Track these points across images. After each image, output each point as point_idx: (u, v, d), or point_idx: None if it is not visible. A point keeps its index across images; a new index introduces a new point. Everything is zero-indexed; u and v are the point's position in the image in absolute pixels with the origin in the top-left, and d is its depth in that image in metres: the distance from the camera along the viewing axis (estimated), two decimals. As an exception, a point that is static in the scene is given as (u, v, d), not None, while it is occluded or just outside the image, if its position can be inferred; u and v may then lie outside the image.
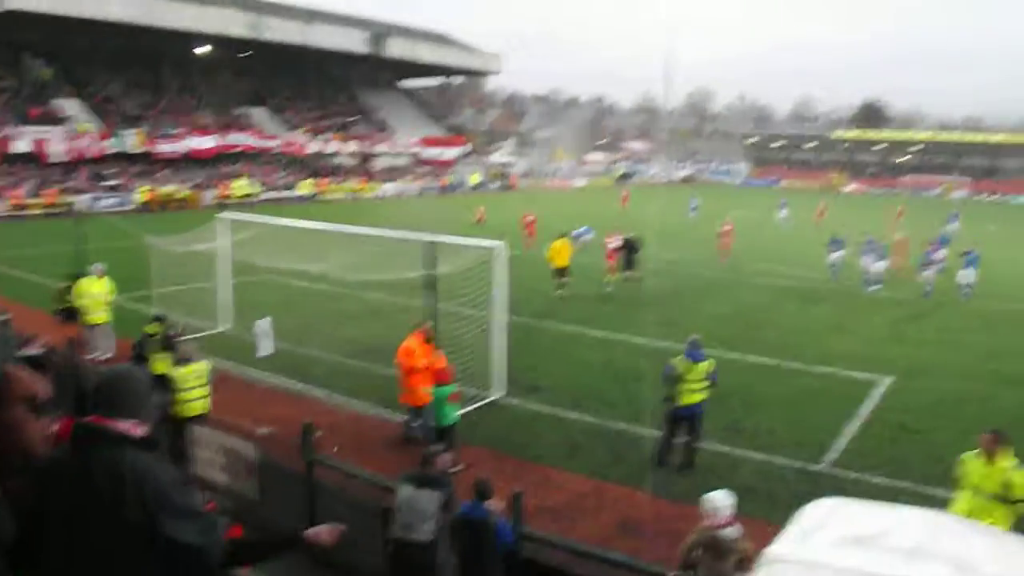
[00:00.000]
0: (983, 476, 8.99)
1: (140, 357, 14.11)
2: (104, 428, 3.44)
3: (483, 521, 7.84)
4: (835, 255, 32.29)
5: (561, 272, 26.89)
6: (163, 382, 14.24)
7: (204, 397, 12.67)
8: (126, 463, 3.35)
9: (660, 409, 13.28)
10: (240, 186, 62.65)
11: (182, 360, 12.71)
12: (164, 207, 56.45)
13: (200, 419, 12.14)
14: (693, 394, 12.89)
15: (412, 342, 13.59)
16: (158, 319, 14.99)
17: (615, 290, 28.09)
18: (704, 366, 12.98)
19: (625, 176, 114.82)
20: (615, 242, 29.55)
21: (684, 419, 12.99)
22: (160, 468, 3.48)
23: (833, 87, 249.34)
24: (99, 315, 18.54)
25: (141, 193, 58.04)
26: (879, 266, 30.34)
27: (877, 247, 30.73)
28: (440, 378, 12.88)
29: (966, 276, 29.22)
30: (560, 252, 27.26)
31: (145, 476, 3.36)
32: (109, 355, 17.97)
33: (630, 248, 29.62)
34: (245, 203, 59.30)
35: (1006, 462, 8.93)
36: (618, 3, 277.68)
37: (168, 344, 14.18)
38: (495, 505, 8.22)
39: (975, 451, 9.23)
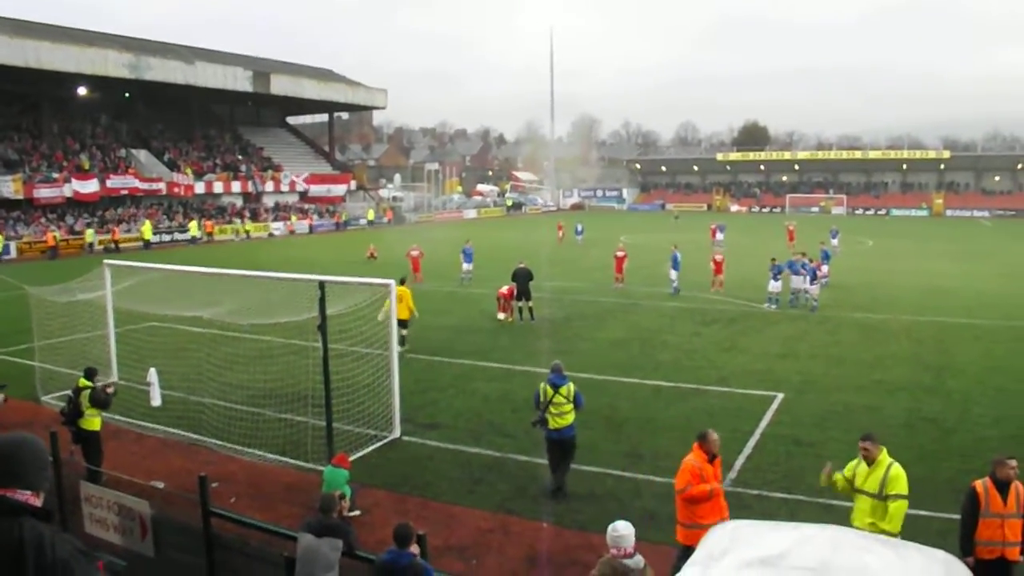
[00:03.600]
0: (865, 479, 9.31)
1: (75, 412, 13.60)
2: (3, 499, 3.35)
3: (410, 566, 7.65)
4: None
5: (403, 324, 22.41)
6: (95, 440, 13.76)
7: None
8: (25, 534, 3.26)
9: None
10: (125, 231, 60.82)
11: None
12: (47, 254, 54.90)
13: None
14: (557, 418, 13.06)
15: (693, 460, 10.04)
16: (89, 373, 14.29)
17: (511, 320, 28.08)
18: (564, 390, 13.11)
19: (515, 206, 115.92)
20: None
21: (555, 443, 13.15)
22: (60, 539, 3.41)
23: (714, 110, 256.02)
24: None
25: (20, 241, 56.37)
26: (777, 285, 31.04)
27: (776, 267, 31.40)
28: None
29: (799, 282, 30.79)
30: (401, 301, 21.79)
31: (44, 547, 3.28)
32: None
33: (521, 278, 28.65)
34: (131, 248, 58.13)
35: (885, 461, 9.27)
36: (501, 38, 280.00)
37: (98, 400, 13.66)
38: (416, 550, 8.05)
39: (857, 458, 9.53)
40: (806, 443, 15.35)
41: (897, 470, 9.13)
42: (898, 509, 8.98)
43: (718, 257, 35.08)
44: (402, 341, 21.87)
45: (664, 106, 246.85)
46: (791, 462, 14.40)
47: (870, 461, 9.29)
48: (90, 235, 59.77)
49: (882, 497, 9.07)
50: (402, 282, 22.94)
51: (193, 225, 66.54)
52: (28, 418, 16.89)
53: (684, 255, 35.05)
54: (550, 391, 13.07)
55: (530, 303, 28.49)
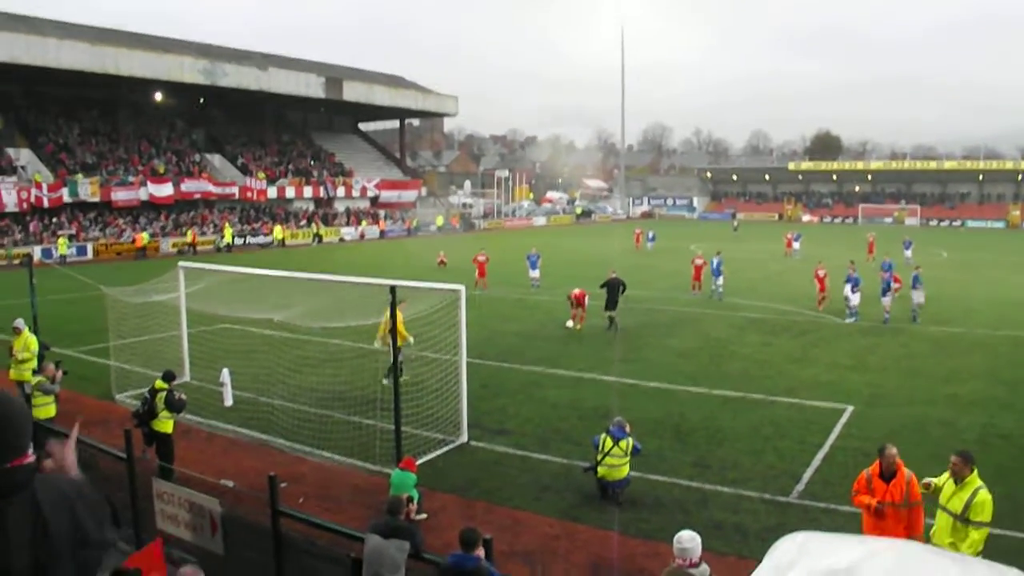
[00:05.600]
0: (950, 497, 9.04)
1: (149, 413, 13.89)
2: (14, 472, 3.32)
3: (476, 570, 7.71)
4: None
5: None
6: (168, 441, 14.06)
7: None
8: (40, 495, 3.32)
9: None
10: (200, 234, 62.28)
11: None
12: (136, 255, 56.59)
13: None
14: (613, 469, 12.98)
15: (868, 470, 9.95)
16: (167, 376, 14.51)
17: (579, 328, 27.96)
18: (624, 444, 13.00)
19: (585, 214, 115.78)
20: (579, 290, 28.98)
21: (608, 489, 13.12)
22: (69, 483, 3.50)
23: (786, 119, 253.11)
24: (13, 372, 17.51)
25: (97, 243, 58.10)
26: (856, 297, 30.48)
27: (854, 278, 30.80)
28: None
29: (916, 296, 29.91)
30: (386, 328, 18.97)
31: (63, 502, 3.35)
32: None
33: (612, 288, 28.17)
34: (205, 251, 59.35)
35: (974, 483, 8.96)
36: (573, 41, 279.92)
37: (173, 404, 14.00)
38: (481, 553, 8.10)
39: (947, 473, 9.29)
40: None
41: (984, 495, 8.83)
42: (980, 537, 8.74)
43: (821, 272, 32.73)
44: (400, 370, 17.61)
45: (736, 115, 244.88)
46: (861, 476, 14.18)
47: (958, 479, 9.02)
48: (189, 235, 61.82)
49: (964, 519, 8.81)
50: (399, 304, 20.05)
51: (277, 229, 68.06)
52: (104, 416, 17.32)
53: (760, 266, 34.66)
54: (609, 443, 13.01)
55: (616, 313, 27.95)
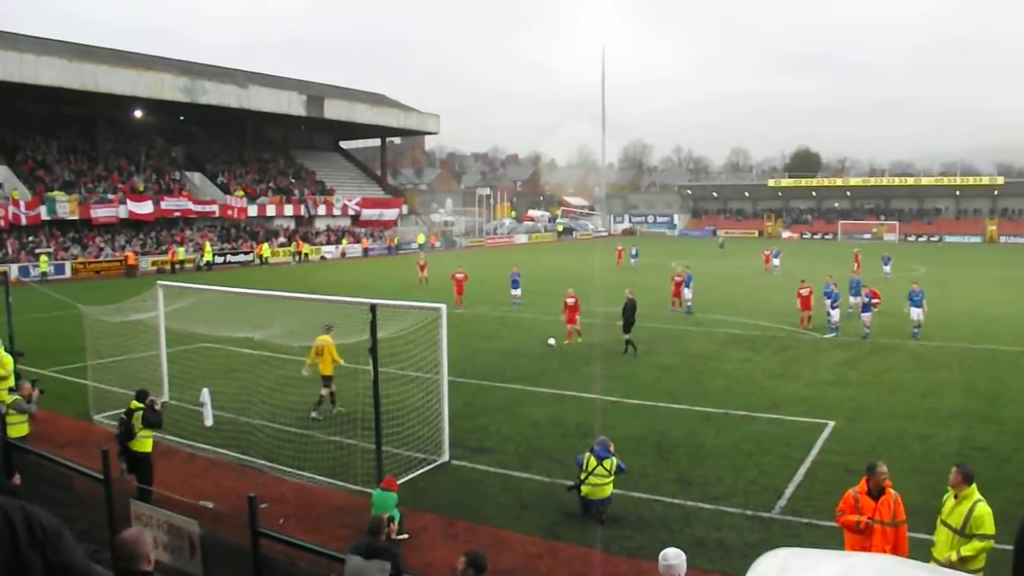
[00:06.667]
0: (950, 512, 9.04)
1: (127, 435, 13.76)
2: None
3: None
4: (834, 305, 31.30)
5: (326, 381, 19.46)
6: (147, 461, 13.92)
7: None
8: (7, 508, 3.47)
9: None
10: (180, 252, 62.17)
11: None
12: (125, 272, 56.54)
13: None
14: (597, 488, 12.93)
15: (855, 489, 9.84)
16: (140, 396, 14.38)
17: (559, 346, 27.93)
18: (608, 464, 12.96)
19: (566, 231, 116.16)
20: (572, 298, 29.21)
21: (587, 506, 13.09)
22: (38, 510, 3.63)
23: (766, 137, 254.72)
24: None
25: (75, 261, 57.94)
26: (836, 313, 30.77)
27: (834, 294, 31.06)
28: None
29: (915, 314, 29.97)
30: (322, 355, 19.45)
31: (31, 517, 3.51)
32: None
33: (630, 310, 27.37)
34: (184, 269, 59.22)
35: (972, 497, 8.97)
36: (554, 59, 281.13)
37: (150, 420, 13.84)
38: None
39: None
40: (857, 471, 14.98)
41: (983, 509, 8.84)
42: (981, 546, 8.73)
43: (804, 291, 32.12)
44: (332, 400, 19.32)
45: (716, 132, 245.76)
46: (842, 490, 14.13)
47: (956, 493, 9.05)
48: (181, 253, 62.06)
49: (964, 534, 8.80)
50: (328, 330, 19.48)
51: (264, 248, 68.38)
52: (80, 436, 17.20)
53: (739, 282, 34.76)
54: (593, 462, 12.96)
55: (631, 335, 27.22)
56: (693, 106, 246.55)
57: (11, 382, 16.86)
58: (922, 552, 9.38)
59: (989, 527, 8.79)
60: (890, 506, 9.30)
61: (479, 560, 7.83)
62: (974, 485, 9.04)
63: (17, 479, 7.66)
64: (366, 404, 15.14)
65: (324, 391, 19.31)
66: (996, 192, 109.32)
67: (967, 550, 8.69)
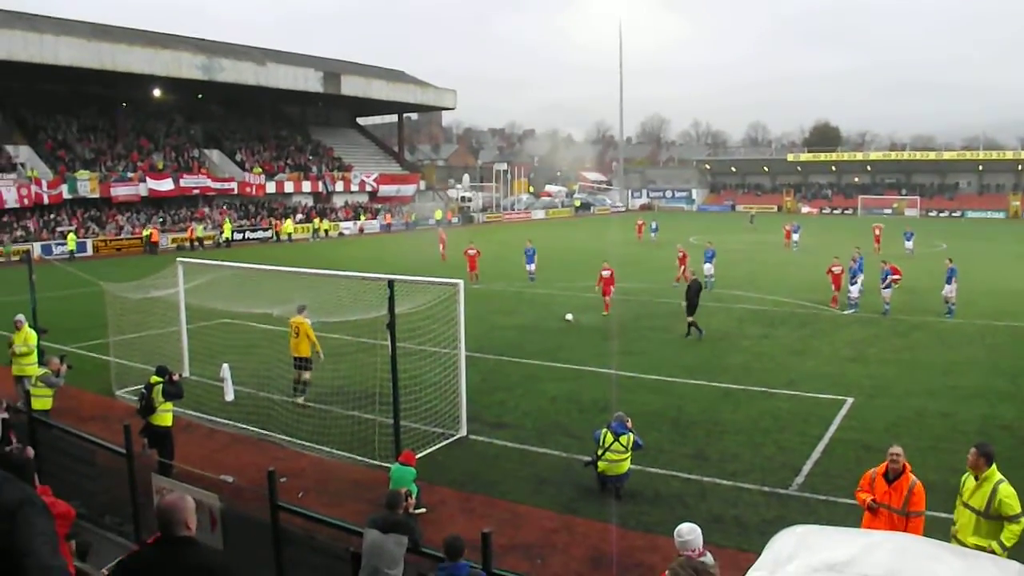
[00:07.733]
0: (972, 494, 8.82)
1: (148, 408, 13.86)
2: None
3: None
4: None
5: (304, 365, 18.59)
6: (167, 436, 14.02)
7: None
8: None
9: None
10: (199, 229, 62.45)
11: None
12: (148, 249, 57.07)
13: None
14: (614, 464, 12.92)
15: (874, 469, 9.69)
16: (160, 371, 14.35)
17: (576, 322, 27.92)
18: (625, 439, 12.93)
19: (584, 206, 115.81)
20: (608, 271, 29.45)
21: (604, 481, 13.11)
22: (10, 484, 3.62)
23: (785, 111, 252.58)
24: (15, 367, 17.36)
25: (97, 238, 58.35)
26: (856, 289, 30.41)
27: (857, 266, 30.73)
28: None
29: (948, 291, 29.56)
30: (299, 336, 18.57)
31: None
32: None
33: (694, 292, 25.89)
34: (205, 246, 59.49)
35: (993, 477, 8.74)
36: (571, 33, 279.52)
37: (170, 393, 13.96)
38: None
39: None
40: (876, 448, 15.03)
41: (1007, 489, 8.60)
42: (1014, 530, 8.46)
43: (836, 269, 31.48)
44: (303, 389, 18.40)
45: (734, 106, 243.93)
46: (860, 468, 14.09)
47: (976, 474, 8.80)
48: (200, 230, 62.47)
49: (988, 515, 8.61)
50: (301, 310, 18.71)
51: (287, 224, 68.69)
52: (103, 411, 17.35)
53: (759, 257, 34.56)
54: (610, 438, 12.95)
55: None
56: (711, 79, 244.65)
57: (35, 358, 17.09)
58: (942, 531, 9.27)
59: (1016, 506, 8.57)
60: (902, 493, 9.06)
61: (453, 545, 7.82)
62: (994, 465, 8.81)
63: (30, 452, 7.66)
64: (384, 379, 15.19)
65: (306, 375, 18.50)
66: (1020, 167, 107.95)
67: (1008, 539, 8.42)
